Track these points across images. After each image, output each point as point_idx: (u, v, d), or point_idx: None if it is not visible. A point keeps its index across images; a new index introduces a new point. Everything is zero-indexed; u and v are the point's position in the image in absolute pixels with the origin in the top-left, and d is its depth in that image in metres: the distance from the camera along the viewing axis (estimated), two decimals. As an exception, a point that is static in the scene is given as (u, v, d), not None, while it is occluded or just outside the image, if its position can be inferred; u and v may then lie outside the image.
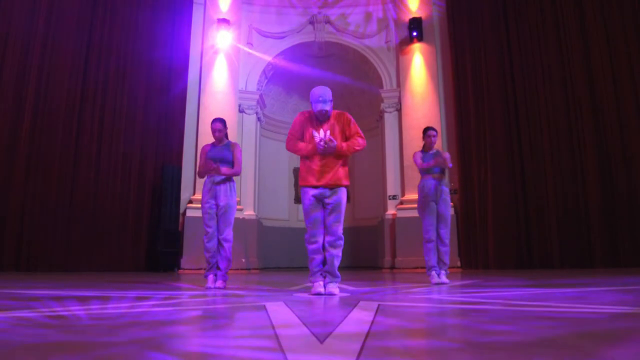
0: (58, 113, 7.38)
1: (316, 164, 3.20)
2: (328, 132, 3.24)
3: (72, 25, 7.70)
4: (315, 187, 3.19)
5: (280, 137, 11.10)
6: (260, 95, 9.67)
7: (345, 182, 3.26)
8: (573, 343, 1.28)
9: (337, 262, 3.18)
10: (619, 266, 6.88)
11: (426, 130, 4.78)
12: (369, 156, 10.19)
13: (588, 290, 3.17)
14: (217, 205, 4.07)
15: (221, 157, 4.09)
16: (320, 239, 3.19)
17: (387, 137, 9.25)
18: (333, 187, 3.20)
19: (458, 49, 8.74)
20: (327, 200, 3.19)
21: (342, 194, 3.24)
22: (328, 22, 9.61)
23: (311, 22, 9.61)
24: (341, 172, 3.24)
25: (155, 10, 8.59)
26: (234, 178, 4.22)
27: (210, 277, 4.03)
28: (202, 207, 4.10)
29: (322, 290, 3.10)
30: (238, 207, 8.50)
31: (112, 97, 7.93)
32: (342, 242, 3.21)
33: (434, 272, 4.40)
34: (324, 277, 3.18)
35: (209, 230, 4.03)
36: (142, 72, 8.26)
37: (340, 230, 3.20)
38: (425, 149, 4.75)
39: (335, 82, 10.89)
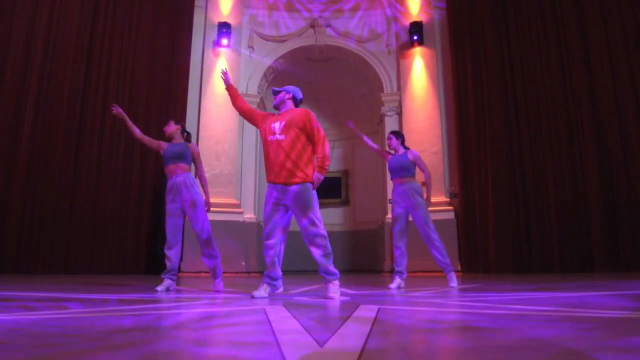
0: (59, 116, 7.39)
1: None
2: (283, 122, 3.26)
3: (73, 26, 7.71)
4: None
5: (280, 140, 11.10)
6: (261, 99, 9.69)
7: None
8: (572, 347, 1.28)
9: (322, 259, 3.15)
10: (620, 270, 6.86)
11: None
12: (369, 159, 10.20)
13: (588, 294, 3.16)
14: (182, 204, 4.02)
15: (176, 153, 4.09)
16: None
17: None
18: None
19: (458, 52, 8.75)
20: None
21: None
22: (329, 25, 9.62)
23: (312, 26, 9.63)
24: None
25: (157, 13, 8.61)
26: (195, 178, 4.18)
27: (167, 281, 3.97)
28: (167, 211, 4.03)
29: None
30: (238, 210, 8.60)
31: (113, 100, 7.92)
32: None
33: (397, 277, 4.31)
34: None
35: (171, 239, 3.98)
36: (143, 75, 8.26)
37: None
38: (393, 151, 4.64)
39: (335, 85, 10.92)
